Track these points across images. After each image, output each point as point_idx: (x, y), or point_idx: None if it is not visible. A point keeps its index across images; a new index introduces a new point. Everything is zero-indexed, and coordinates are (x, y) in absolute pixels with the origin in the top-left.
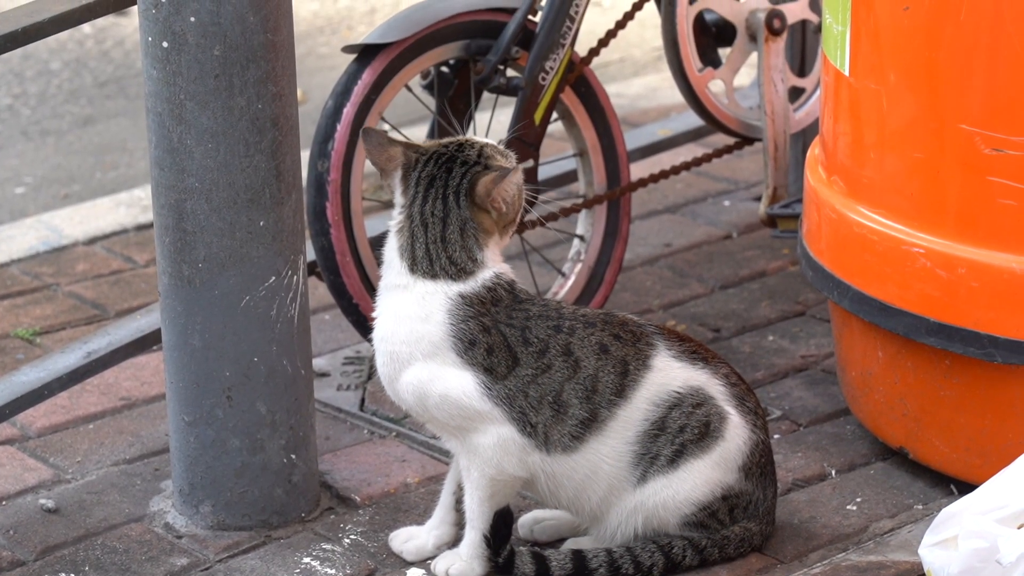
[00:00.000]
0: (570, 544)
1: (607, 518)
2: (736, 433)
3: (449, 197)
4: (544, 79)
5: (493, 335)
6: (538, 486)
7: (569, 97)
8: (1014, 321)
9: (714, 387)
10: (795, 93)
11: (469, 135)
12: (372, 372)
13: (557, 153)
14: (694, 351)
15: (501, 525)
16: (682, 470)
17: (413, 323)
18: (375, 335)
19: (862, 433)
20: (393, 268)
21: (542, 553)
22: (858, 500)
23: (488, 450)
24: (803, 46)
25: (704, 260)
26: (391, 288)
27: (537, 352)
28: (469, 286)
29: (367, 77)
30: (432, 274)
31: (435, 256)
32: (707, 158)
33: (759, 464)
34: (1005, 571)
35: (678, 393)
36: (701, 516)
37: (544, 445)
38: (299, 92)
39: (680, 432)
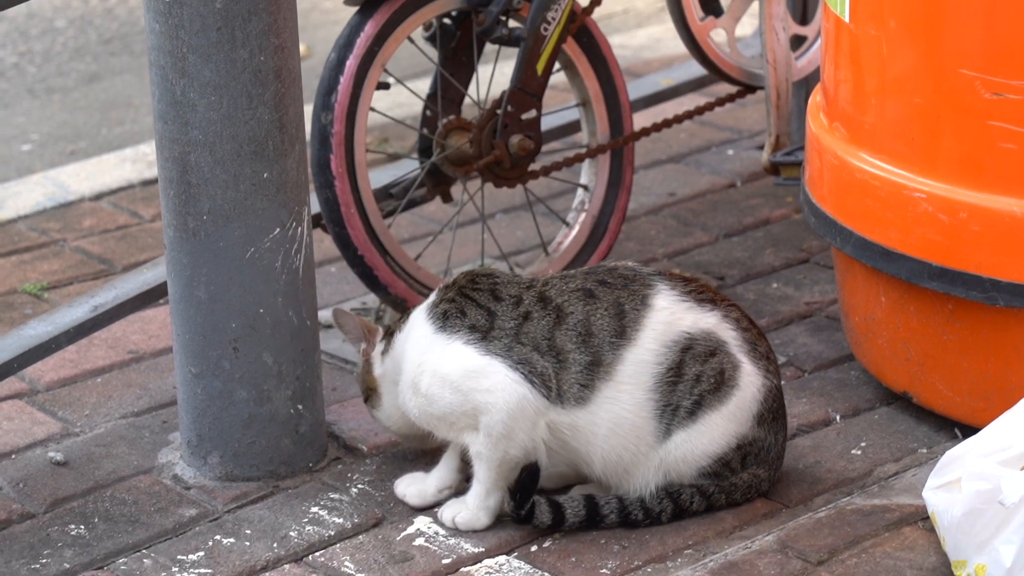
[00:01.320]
0: (578, 491)
1: (632, 479)
2: (750, 381)
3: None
4: (546, 29)
5: (461, 301)
6: (570, 449)
7: (571, 47)
8: (1016, 264)
9: (725, 332)
10: (797, 41)
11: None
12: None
13: (560, 104)
14: (700, 292)
15: (529, 481)
16: (701, 423)
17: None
18: None
19: (866, 378)
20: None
21: (558, 501)
22: (862, 444)
23: (501, 412)
24: None
25: (708, 209)
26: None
27: (511, 304)
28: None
29: (369, 29)
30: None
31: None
32: (710, 107)
33: (772, 410)
34: (1008, 512)
35: (688, 334)
36: (716, 467)
37: (558, 398)
38: (303, 47)
39: (697, 382)
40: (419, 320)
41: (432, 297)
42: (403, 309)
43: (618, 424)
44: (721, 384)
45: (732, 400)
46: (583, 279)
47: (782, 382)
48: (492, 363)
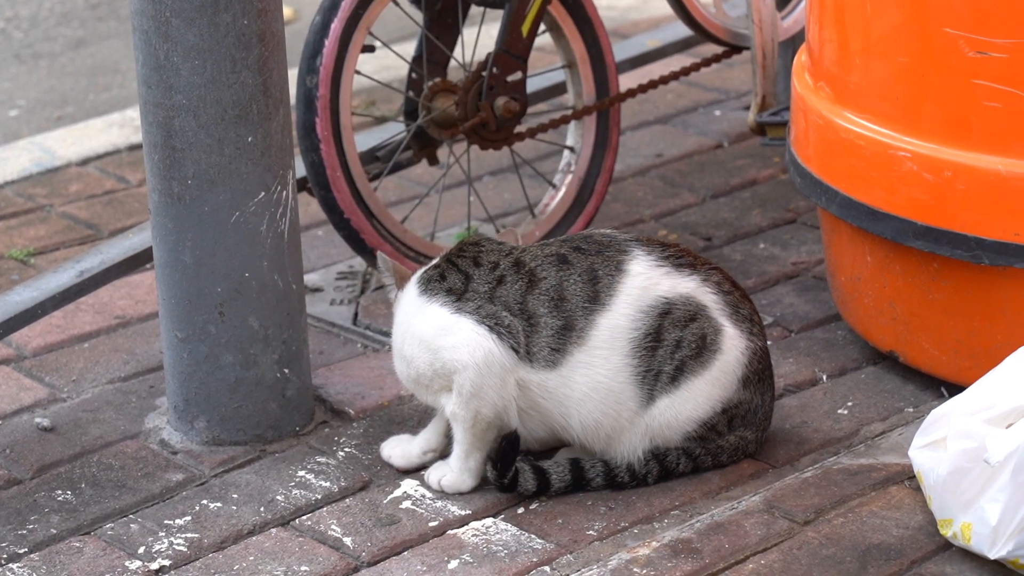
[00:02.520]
0: (564, 454)
1: (618, 446)
2: (733, 345)
3: None
4: None
5: (443, 266)
6: (544, 412)
7: (556, 9)
8: (1000, 223)
9: (705, 296)
10: (782, 1)
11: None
12: (365, 287)
13: (546, 65)
14: (679, 256)
15: (508, 449)
16: (684, 389)
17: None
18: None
19: (852, 338)
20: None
21: (542, 467)
22: (849, 404)
23: (468, 369)
24: None
25: (695, 169)
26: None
27: (488, 269)
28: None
29: None
30: None
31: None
32: (696, 67)
33: (757, 372)
34: (993, 470)
35: (666, 299)
36: (702, 431)
37: (527, 357)
38: (288, 10)
39: (677, 347)
40: (410, 286)
41: (420, 270)
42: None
43: (594, 389)
44: (703, 349)
45: (715, 365)
46: (559, 246)
47: (768, 342)
48: (460, 320)
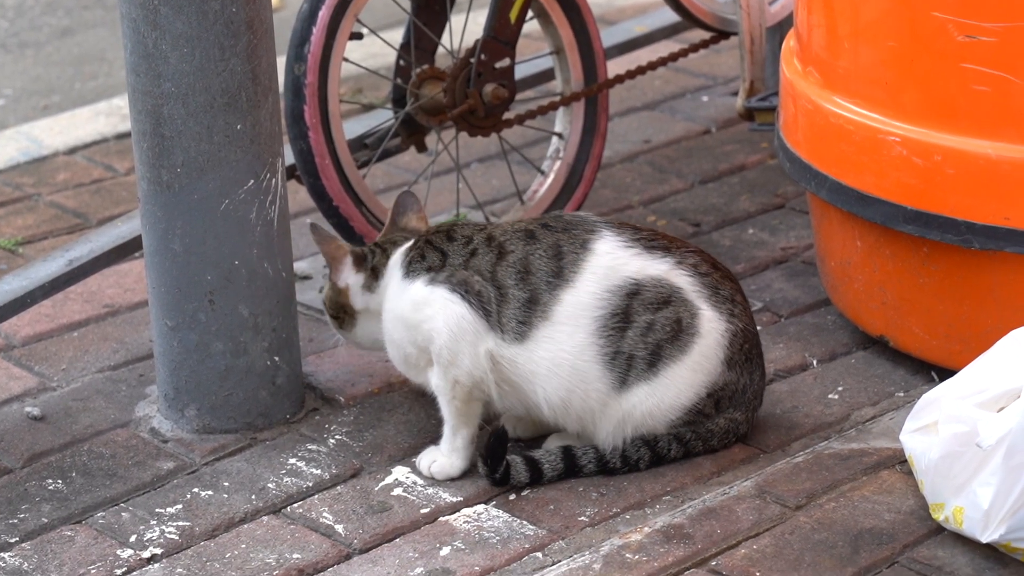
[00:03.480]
0: (555, 440)
1: (597, 432)
2: (712, 327)
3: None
4: None
5: (422, 245)
6: (515, 387)
7: None
8: (990, 207)
9: (679, 278)
10: None
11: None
12: None
13: (534, 52)
14: (652, 239)
15: (496, 444)
16: (664, 376)
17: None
18: None
19: (842, 323)
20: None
21: (534, 458)
22: (840, 389)
23: (443, 335)
24: None
25: (683, 155)
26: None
27: (462, 243)
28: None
29: None
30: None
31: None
32: (684, 53)
33: (742, 352)
34: (985, 454)
35: (634, 280)
36: (688, 417)
37: (499, 327)
38: None
39: (649, 330)
40: (395, 269)
41: (407, 244)
42: None
43: (558, 365)
44: (679, 332)
45: (695, 348)
46: (528, 222)
47: (758, 328)
48: (434, 291)
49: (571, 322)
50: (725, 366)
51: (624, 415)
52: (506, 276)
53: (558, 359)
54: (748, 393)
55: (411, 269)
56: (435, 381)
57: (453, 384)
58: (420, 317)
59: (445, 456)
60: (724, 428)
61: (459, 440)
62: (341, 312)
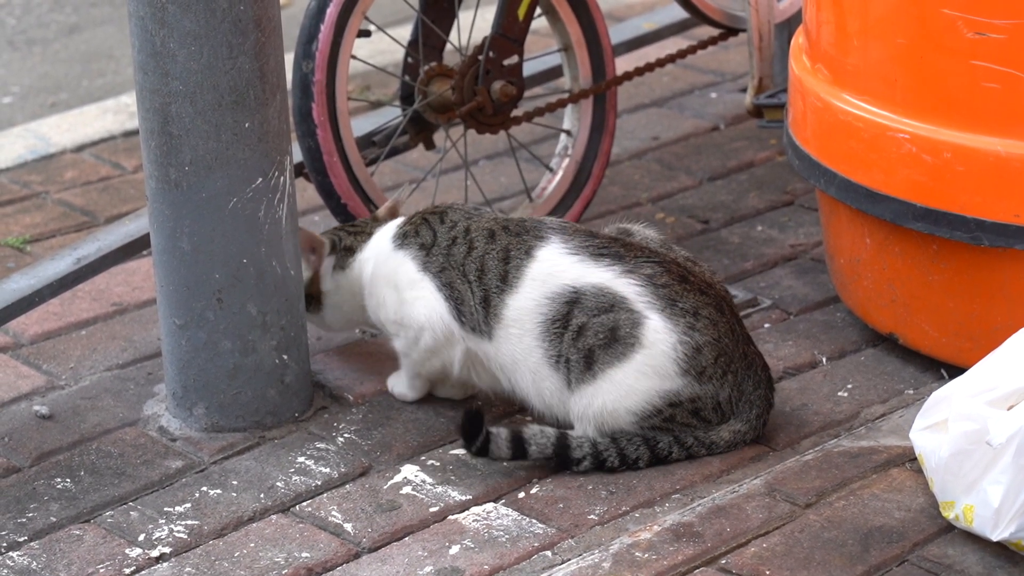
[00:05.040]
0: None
1: (568, 424)
2: (659, 338)
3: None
4: None
5: (418, 222)
6: (490, 374)
7: None
8: (1000, 204)
9: (625, 287)
10: None
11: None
12: None
13: (542, 49)
14: (603, 247)
15: (469, 425)
16: (602, 379)
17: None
18: None
19: (852, 320)
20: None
21: (520, 435)
22: (849, 386)
23: (419, 321)
24: None
25: (692, 152)
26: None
27: (448, 228)
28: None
29: None
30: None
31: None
32: (692, 50)
33: (714, 365)
34: (996, 452)
35: (573, 288)
36: (654, 422)
37: (470, 325)
38: None
39: (580, 334)
40: (382, 240)
41: (399, 221)
42: None
43: (515, 362)
44: (614, 340)
45: (636, 358)
46: (494, 221)
47: (767, 325)
48: (424, 278)
49: (517, 326)
50: (691, 378)
51: (580, 412)
52: (471, 271)
53: (515, 358)
54: (742, 403)
55: (405, 241)
56: (397, 344)
57: (411, 354)
58: (406, 295)
59: (403, 387)
60: (728, 441)
61: (416, 382)
62: (308, 297)
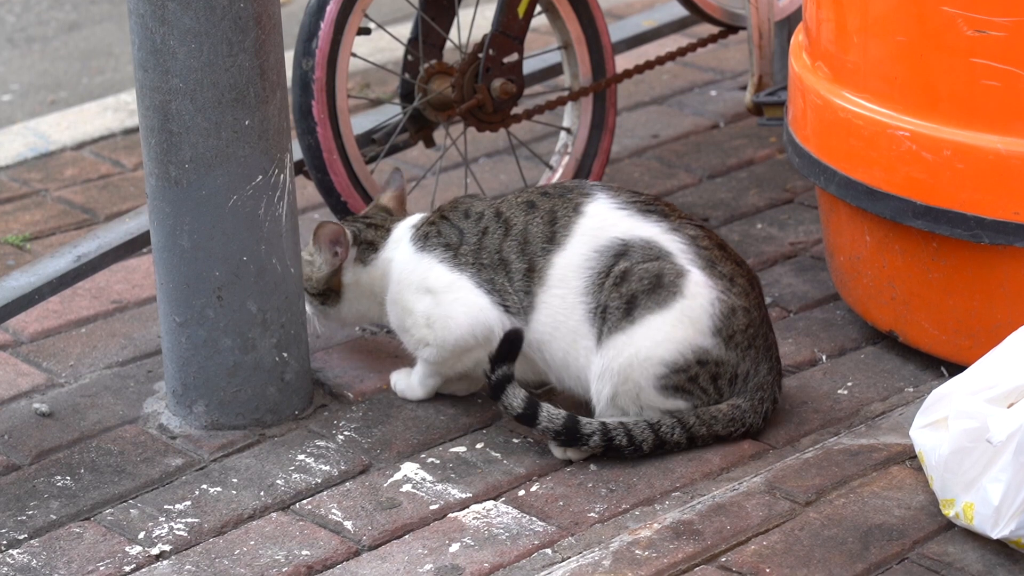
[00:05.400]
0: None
1: (590, 390)
2: (698, 291)
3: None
4: None
5: (438, 221)
6: (525, 358)
7: None
8: (1000, 202)
9: (671, 243)
10: None
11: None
12: None
13: (542, 47)
14: (649, 204)
15: (508, 347)
16: (639, 324)
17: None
18: None
19: (852, 318)
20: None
21: (537, 401)
22: (849, 384)
23: (462, 327)
24: None
25: (692, 150)
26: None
27: (475, 220)
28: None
29: None
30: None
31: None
32: (692, 48)
33: (743, 333)
34: (996, 450)
35: (622, 240)
36: (677, 379)
37: (511, 311)
38: None
39: (623, 279)
40: (402, 241)
41: (414, 219)
42: None
43: (555, 327)
44: (659, 286)
45: (675, 306)
46: (531, 192)
47: (769, 316)
48: (460, 279)
49: (563, 284)
50: (720, 340)
51: (605, 366)
52: (510, 252)
53: (556, 321)
54: (752, 382)
55: (427, 243)
56: (424, 352)
57: (432, 360)
58: (443, 298)
59: (412, 384)
60: (728, 415)
61: (430, 381)
62: (329, 291)
